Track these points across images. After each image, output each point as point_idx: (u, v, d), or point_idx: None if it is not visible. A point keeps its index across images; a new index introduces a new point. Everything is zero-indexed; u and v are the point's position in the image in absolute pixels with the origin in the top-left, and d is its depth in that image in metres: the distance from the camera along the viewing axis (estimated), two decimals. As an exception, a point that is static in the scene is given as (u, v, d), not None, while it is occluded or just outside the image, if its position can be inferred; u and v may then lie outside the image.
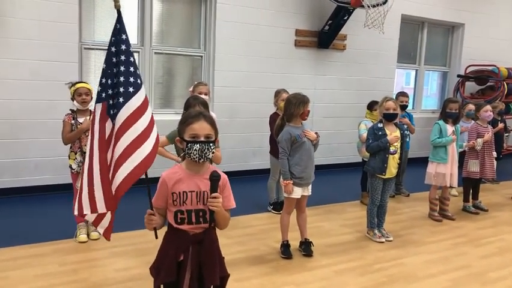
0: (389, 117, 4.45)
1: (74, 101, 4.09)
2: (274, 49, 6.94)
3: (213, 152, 2.22)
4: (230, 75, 6.64)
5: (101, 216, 2.33)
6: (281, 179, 4.00)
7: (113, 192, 2.22)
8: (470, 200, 5.76)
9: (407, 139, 6.13)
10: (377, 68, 8.05)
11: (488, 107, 5.56)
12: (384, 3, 6.65)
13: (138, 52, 6.18)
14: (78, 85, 4.13)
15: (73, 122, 4.08)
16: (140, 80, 2.34)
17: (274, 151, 4.92)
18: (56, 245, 4.04)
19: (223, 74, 6.59)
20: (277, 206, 5.18)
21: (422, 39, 8.87)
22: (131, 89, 2.25)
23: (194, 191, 2.21)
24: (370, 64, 7.95)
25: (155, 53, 6.29)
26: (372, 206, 4.57)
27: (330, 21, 7.02)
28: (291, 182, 3.88)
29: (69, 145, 4.17)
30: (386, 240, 4.50)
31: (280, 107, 4.88)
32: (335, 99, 7.65)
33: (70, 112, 4.15)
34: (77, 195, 2.39)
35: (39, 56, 5.35)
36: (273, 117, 5.15)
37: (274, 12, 6.84)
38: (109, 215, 2.33)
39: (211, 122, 2.23)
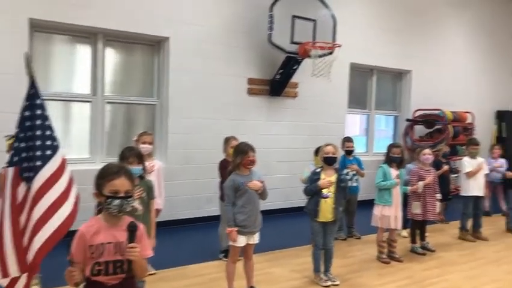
0: (328, 161, 4.60)
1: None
2: (227, 97, 7.13)
3: (132, 206, 2.29)
4: (184, 122, 6.74)
5: (14, 280, 2.30)
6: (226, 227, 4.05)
7: (33, 256, 2.21)
8: (418, 241, 5.92)
9: (355, 184, 6.40)
10: (328, 113, 8.34)
11: (427, 150, 5.83)
12: (330, 53, 7.00)
13: (90, 102, 6.23)
14: None
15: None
16: (58, 143, 2.39)
17: (224, 198, 4.97)
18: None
19: (177, 121, 6.69)
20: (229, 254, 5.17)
21: (372, 85, 9.30)
22: (48, 152, 2.30)
23: (111, 242, 2.27)
24: (321, 110, 8.24)
25: (107, 102, 6.35)
26: (316, 249, 4.65)
27: (281, 70, 7.29)
28: (235, 229, 3.92)
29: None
30: (331, 285, 4.55)
31: (229, 154, 4.99)
32: (289, 144, 7.84)
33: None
34: None
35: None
36: (222, 164, 5.23)
37: (227, 62, 7.07)
38: (23, 279, 2.31)
39: (131, 178, 2.31)
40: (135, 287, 2.39)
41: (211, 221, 6.74)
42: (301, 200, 7.90)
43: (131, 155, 3.58)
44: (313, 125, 8.14)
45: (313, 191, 4.54)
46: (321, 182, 4.50)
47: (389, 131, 10.04)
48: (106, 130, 6.44)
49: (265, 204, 7.56)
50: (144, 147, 4.61)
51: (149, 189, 3.66)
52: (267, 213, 7.57)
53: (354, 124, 9.49)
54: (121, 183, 2.25)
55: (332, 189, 4.56)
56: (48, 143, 2.30)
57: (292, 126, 7.92)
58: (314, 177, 4.61)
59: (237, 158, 4.00)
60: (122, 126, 6.60)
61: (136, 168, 3.56)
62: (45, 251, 2.20)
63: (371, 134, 9.38)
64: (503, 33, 11.46)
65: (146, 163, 4.56)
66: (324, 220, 4.57)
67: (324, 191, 4.51)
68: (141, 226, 2.35)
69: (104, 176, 2.30)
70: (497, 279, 4.92)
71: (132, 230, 2.24)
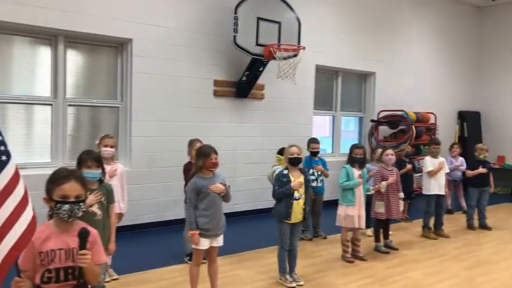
0: (293, 162, 4.64)
1: None
2: (193, 99, 7.09)
3: (83, 211, 2.25)
4: (148, 125, 6.67)
5: None
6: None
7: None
8: (382, 239, 6.03)
9: (321, 184, 6.48)
10: (295, 115, 8.41)
11: (389, 151, 5.95)
12: (295, 56, 7.06)
13: (51, 105, 6.09)
14: None
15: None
16: (9, 150, 2.30)
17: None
18: None
19: (141, 124, 6.61)
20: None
21: (337, 86, 9.43)
22: (3, 158, 2.21)
23: (63, 249, 2.23)
24: (288, 112, 8.30)
25: (69, 105, 6.22)
26: (282, 251, 4.67)
27: (247, 72, 7.30)
28: (197, 232, 3.90)
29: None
30: (297, 285, 4.59)
31: (193, 157, 4.94)
32: (256, 146, 7.86)
33: None
34: None
35: None
36: (186, 167, 5.20)
37: (191, 64, 7.03)
38: None
39: (82, 182, 2.27)
40: None
41: (177, 225, 6.68)
42: (269, 202, 7.92)
43: (90, 158, 3.51)
44: (281, 127, 8.19)
45: (285, 193, 4.55)
46: (293, 184, 4.53)
47: (356, 132, 10.19)
48: (69, 133, 6.31)
49: (233, 206, 7.66)
50: (106, 151, 4.54)
51: (108, 193, 3.59)
52: (235, 215, 7.64)
53: (322, 125, 9.60)
54: (70, 188, 2.21)
55: (301, 190, 4.60)
56: (2, 148, 2.21)
57: (260, 128, 7.94)
58: (283, 179, 4.62)
59: (199, 160, 3.98)
60: (85, 129, 6.46)
61: (94, 172, 3.51)
62: (5, 272, 2.08)
63: (337, 135, 9.51)
64: (465, 35, 11.83)
65: (109, 167, 4.54)
66: (295, 221, 4.60)
67: (296, 193, 4.54)
68: (94, 232, 2.31)
69: (53, 180, 2.26)
70: (455, 275, 5.06)
71: (83, 236, 2.20)
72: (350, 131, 10.23)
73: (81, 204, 2.23)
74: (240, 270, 5.09)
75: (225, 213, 7.59)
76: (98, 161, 3.57)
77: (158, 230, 6.69)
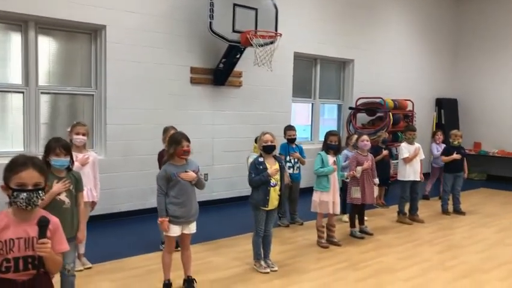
0: (267, 149, 4.65)
1: None
2: (169, 86, 7.02)
3: (42, 199, 2.21)
4: (124, 113, 6.59)
5: None
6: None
7: None
8: (357, 225, 6.10)
9: (298, 171, 6.51)
10: (274, 102, 8.41)
11: (365, 137, 6.00)
12: (272, 43, 7.04)
13: (22, 92, 5.97)
14: None
15: None
16: None
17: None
18: None
19: (116, 112, 6.53)
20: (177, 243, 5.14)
21: (316, 74, 9.44)
22: None
23: (22, 238, 2.18)
24: (267, 99, 8.29)
25: (41, 92, 6.11)
26: (257, 237, 4.70)
27: (224, 59, 7.25)
28: (166, 219, 3.90)
29: None
30: (271, 271, 4.63)
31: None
32: (234, 134, 7.84)
33: None
34: None
35: None
36: (161, 154, 5.17)
37: (167, 51, 6.95)
38: None
39: (41, 170, 2.23)
40: (49, 283, 2.30)
41: (155, 213, 6.57)
42: (247, 189, 7.92)
43: (58, 146, 3.45)
44: (259, 114, 8.18)
45: (262, 180, 4.56)
46: (270, 171, 4.54)
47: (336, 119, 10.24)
48: (43, 122, 6.20)
49: (211, 194, 7.67)
50: (78, 139, 4.48)
51: (77, 182, 3.54)
52: (213, 203, 7.65)
53: (303, 113, 9.62)
54: (28, 176, 2.17)
55: (277, 176, 4.61)
56: None
57: (238, 116, 7.92)
58: (259, 166, 4.62)
59: (171, 148, 3.96)
60: (60, 117, 6.35)
61: (63, 160, 3.46)
62: None
63: (316, 122, 9.53)
64: (443, 22, 11.92)
65: (81, 155, 4.49)
66: (272, 208, 4.63)
67: (272, 180, 4.56)
68: (54, 220, 2.28)
69: (10, 168, 2.20)
70: (427, 259, 5.16)
71: (42, 224, 2.16)
72: (333, 118, 10.28)
73: (40, 192, 2.18)
74: (215, 257, 5.10)
75: (203, 201, 7.63)
76: (67, 148, 3.51)
77: (136, 218, 6.65)
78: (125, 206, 6.71)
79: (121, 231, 6.08)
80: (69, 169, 3.54)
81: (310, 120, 9.57)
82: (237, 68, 7.58)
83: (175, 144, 3.94)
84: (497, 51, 11.44)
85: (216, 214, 7.22)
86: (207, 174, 7.35)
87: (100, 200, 6.35)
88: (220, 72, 7.40)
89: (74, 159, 4.37)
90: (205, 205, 7.61)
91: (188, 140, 4.00)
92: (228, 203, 7.70)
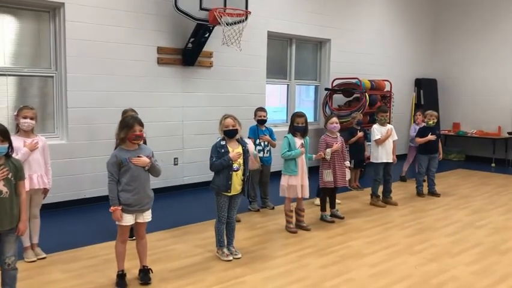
0: (229, 134, 4.46)
1: None
2: (135, 67, 6.74)
3: None
4: (86, 95, 6.31)
5: None
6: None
7: None
8: (328, 209, 5.96)
9: (268, 154, 6.32)
10: (247, 84, 8.17)
11: (334, 119, 5.81)
12: (241, 21, 6.77)
13: (-25, 74, 5.67)
14: None
15: None
16: None
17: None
18: None
19: (77, 94, 6.25)
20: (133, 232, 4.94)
21: (292, 54, 9.19)
22: None
23: None
24: (239, 80, 8.04)
25: (-4, 74, 5.80)
26: (220, 224, 4.53)
27: (192, 39, 6.97)
28: (119, 208, 3.70)
29: None
30: (234, 258, 4.47)
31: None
32: (205, 116, 7.59)
33: None
34: None
35: None
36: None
37: (132, 30, 6.65)
38: None
39: None
40: None
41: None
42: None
43: (-5, 131, 3.21)
44: (232, 96, 7.94)
45: (223, 164, 4.37)
46: (232, 155, 4.34)
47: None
48: (2, 106, 5.91)
49: (183, 179, 7.47)
50: (26, 123, 4.23)
51: (16, 170, 3.31)
52: (184, 188, 7.46)
53: (278, 94, 9.40)
54: None
55: (240, 160, 4.42)
56: None
57: (209, 98, 7.67)
58: (221, 150, 4.42)
59: (122, 132, 3.74)
60: (18, 100, 6.04)
61: (0, 147, 3.22)
62: None
63: (292, 104, 9.33)
64: (422, 1, 11.70)
65: (29, 140, 4.24)
66: (234, 193, 4.45)
67: (235, 164, 4.36)
68: None
69: None
70: (395, 243, 5.04)
71: None
72: (310, 100, 10.09)
73: None
74: (178, 244, 4.93)
75: (174, 186, 7.44)
76: (4, 134, 3.27)
77: (102, 204, 6.36)
78: (90, 191, 6.48)
79: (85, 219, 5.86)
80: (8, 156, 3.30)
81: (286, 101, 9.36)
82: (207, 48, 7.32)
83: (126, 129, 3.72)
84: (478, 30, 11.28)
85: (187, 199, 7.05)
86: (162, 160, 7.15)
87: (64, 186, 6.17)
88: (190, 52, 7.13)
89: (22, 144, 4.19)
90: (176, 190, 7.48)
91: (141, 124, 3.78)
92: (200, 187, 7.51)
